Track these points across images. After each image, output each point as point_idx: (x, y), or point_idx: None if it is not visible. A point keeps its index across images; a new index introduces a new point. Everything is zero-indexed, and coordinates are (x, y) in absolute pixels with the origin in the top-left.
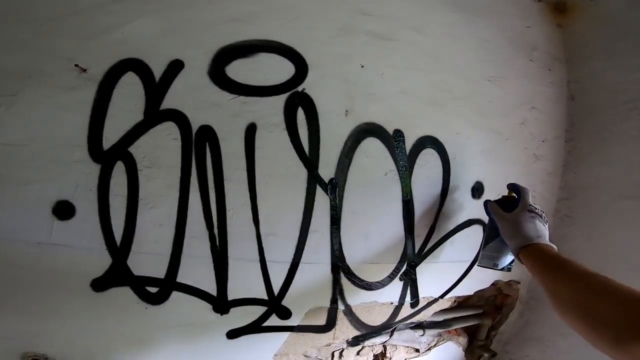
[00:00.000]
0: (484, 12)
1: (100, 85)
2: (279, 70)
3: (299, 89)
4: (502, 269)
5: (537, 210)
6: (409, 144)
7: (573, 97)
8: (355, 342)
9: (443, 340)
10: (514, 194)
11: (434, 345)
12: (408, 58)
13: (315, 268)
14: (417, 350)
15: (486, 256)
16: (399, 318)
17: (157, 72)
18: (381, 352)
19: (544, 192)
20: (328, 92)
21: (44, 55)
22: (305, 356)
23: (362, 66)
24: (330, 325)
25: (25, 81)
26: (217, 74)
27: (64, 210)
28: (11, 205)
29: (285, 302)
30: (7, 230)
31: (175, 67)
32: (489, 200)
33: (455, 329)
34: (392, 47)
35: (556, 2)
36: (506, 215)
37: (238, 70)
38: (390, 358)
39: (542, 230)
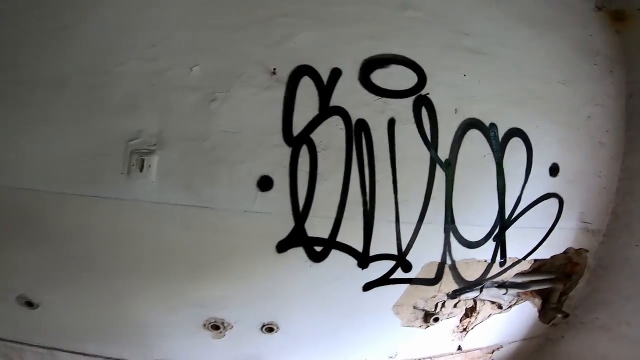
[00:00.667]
0: (553, 26)
1: (287, 86)
2: (406, 78)
3: (423, 93)
4: None
5: None
6: (501, 134)
7: (631, 95)
8: (453, 295)
9: (522, 300)
10: None
11: (514, 304)
12: (497, 68)
13: (433, 228)
14: (500, 307)
15: None
16: (489, 275)
17: (324, 77)
18: (472, 307)
19: (607, 174)
20: (442, 95)
21: (242, 58)
22: (414, 307)
23: (465, 75)
24: (437, 278)
25: (233, 80)
26: (365, 80)
27: (265, 183)
28: (227, 180)
29: (408, 257)
30: (221, 201)
31: (336, 74)
32: None
33: (532, 291)
34: (484, 60)
35: (614, 11)
36: None
37: (379, 78)
38: (479, 312)
39: None
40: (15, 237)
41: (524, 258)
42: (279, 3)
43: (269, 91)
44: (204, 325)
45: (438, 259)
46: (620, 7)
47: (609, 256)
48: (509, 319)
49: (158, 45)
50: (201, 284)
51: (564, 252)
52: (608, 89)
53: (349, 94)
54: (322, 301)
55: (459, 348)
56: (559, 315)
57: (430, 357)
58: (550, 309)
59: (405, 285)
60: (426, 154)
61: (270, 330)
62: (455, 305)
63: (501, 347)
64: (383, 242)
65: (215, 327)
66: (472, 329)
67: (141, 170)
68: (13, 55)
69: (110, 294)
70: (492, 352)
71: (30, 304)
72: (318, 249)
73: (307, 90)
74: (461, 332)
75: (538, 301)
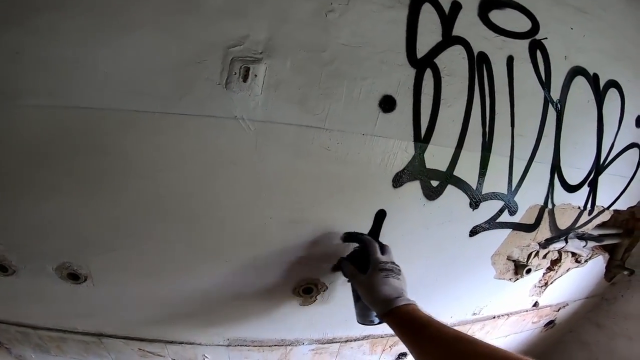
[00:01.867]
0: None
1: (409, 8)
2: (521, 22)
3: (538, 37)
4: (380, 322)
5: (387, 266)
6: (601, 84)
7: None
8: (545, 244)
9: (595, 254)
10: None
11: (589, 258)
12: (598, 27)
13: (541, 167)
14: (578, 261)
15: (360, 314)
16: (577, 224)
17: (445, 7)
18: (557, 259)
19: None
20: (553, 42)
21: None
22: (508, 258)
23: (572, 28)
24: (536, 224)
25: None
26: (483, 17)
27: (388, 103)
28: (347, 97)
29: (516, 198)
30: (339, 121)
31: (456, 7)
32: (344, 259)
33: (602, 246)
34: (588, 18)
35: None
36: (361, 279)
37: (496, 17)
38: (561, 265)
39: (399, 287)
40: (69, 175)
41: (608, 207)
42: None
43: (392, 10)
44: (294, 289)
45: (541, 202)
46: None
47: None
48: (578, 276)
49: None
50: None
51: (629, 208)
52: None
53: (470, 27)
54: (428, 247)
55: (535, 304)
56: (625, 272)
57: (508, 314)
58: (615, 265)
59: (508, 231)
60: (540, 93)
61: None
62: (544, 256)
63: (567, 305)
64: (496, 179)
65: (308, 291)
66: (551, 283)
67: (245, 81)
68: None
69: (186, 253)
70: (558, 310)
71: (74, 277)
72: (434, 183)
73: (429, 17)
74: (541, 287)
75: (607, 257)
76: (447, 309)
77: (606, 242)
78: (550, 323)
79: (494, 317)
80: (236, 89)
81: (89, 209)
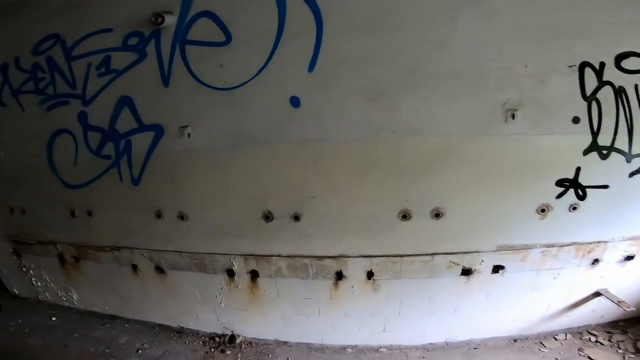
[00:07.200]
0: None
1: (578, 72)
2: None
3: None
4: None
5: None
6: None
7: None
8: None
9: None
10: None
11: None
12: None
13: None
14: None
15: None
16: None
17: (596, 65)
18: None
19: None
20: None
21: (549, 62)
22: None
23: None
24: None
25: (552, 72)
26: (618, 65)
27: (575, 120)
28: (556, 120)
29: None
30: (558, 129)
31: (602, 65)
32: None
33: None
34: None
35: None
36: None
37: (626, 64)
38: None
39: None
40: (441, 165)
41: None
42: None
43: (570, 76)
44: (536, 210)
45: None
46: None
47: None
48: None
49: (503, 53)
50: (540, 174)
51: None
52: None
53: (611, 74)
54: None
55: None
56: None
57: None
58: None
59: None
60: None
61: (542, 210)
62: None
63: None
64: (638, 148)
65: (542, 210)
66: None
67: (513, 118)
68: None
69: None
70: None
71: (438, 215)
72: (604, 152)
73: (589, 73)
74: None
75: None
76: (624, 227)
77: None
78: None
79: None
80: (510, 122)
81: (452, 178)
